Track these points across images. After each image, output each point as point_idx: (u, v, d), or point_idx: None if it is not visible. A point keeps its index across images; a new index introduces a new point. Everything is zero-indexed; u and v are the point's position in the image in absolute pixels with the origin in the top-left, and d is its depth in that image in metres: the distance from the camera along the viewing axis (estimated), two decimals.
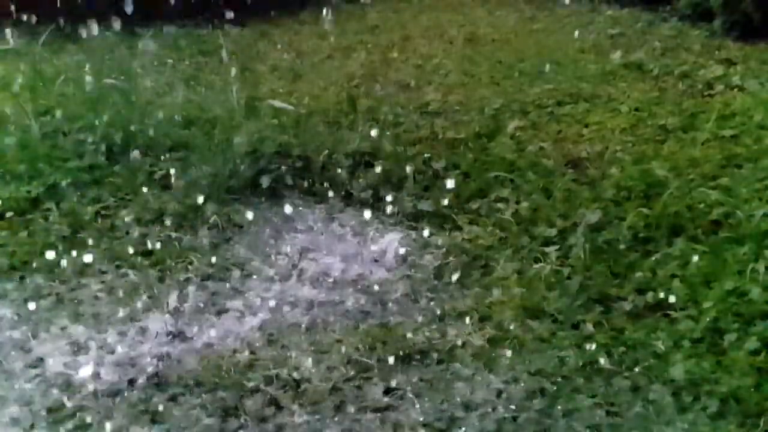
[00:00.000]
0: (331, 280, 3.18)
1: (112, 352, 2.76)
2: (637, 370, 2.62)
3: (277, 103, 4.54)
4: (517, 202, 3.64)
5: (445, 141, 4.25)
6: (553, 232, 3.40)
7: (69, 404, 2.50)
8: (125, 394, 2.55)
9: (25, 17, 5.19)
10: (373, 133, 4.22)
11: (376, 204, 3.69)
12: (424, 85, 5.20)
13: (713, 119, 4.30)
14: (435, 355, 2.72)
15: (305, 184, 3.87)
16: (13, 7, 5.14)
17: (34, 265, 3.23)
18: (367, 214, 3.62)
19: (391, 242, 3.41)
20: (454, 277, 3.17)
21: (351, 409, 2.50)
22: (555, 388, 2.56)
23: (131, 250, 3.32)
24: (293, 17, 6.95)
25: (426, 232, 3.50)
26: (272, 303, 3.03)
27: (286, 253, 3.37)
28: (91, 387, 2.58)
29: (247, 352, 2.74)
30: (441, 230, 3.52)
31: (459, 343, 2.79)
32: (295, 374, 2.63)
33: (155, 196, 3.71)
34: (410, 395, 2.55)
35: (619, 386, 2.56)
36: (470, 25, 6.64)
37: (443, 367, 2.68)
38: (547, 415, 2.46)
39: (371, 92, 4.99)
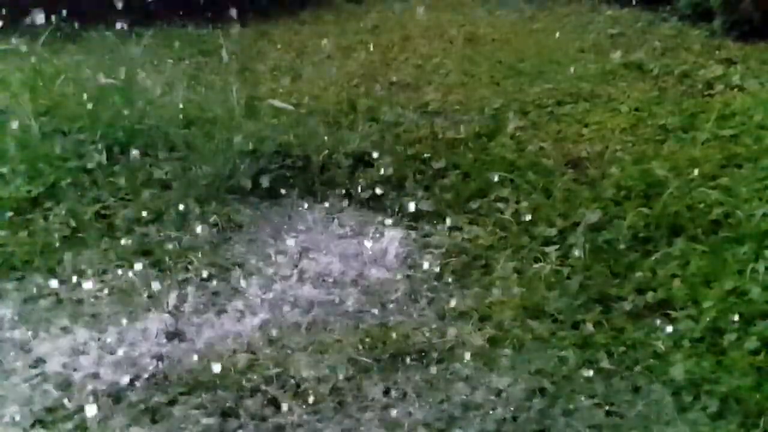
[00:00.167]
0: (331, 280, 3.18)
1: (112, 352, 2.75)
2: (637, 370, 2.62)
3: (277, 103, 4.53)
4: (517, 202, 3.64)
5: (445, 141, 4.25)
6: (553, 231, 3.40)
7: (68, 404, 2.50)
8: (125, 394, 2.55)
9: (24, 17, 5.19)
10: (373, 132, 4.22)
11: (376, 204, 3.68)
12: (424, 84, 5.20)
13: (713, 119, 4.30)
14: (435, 355, 2.72)
15: (305, 183, 3.87)
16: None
17: (34, 265, 3.23)
18: (367, 213, 3.62)
19: (391, 242, 3.40)
20: (454, 277, 3.17)
21: (351, 408, 2.50)
22: (555, 388, 2.56)
23: (131, 250, 3.32)
24: (293, 17, 6.94)
25: (426, 232, 3.50)
26: (272, 303, 3.03)
27: (286, 252, 3.37)
28: (90, 387, 2.58)
29: (247, 352, 2.74)
30: (441, 230, 3.52)
31: (459, 343, 2.79)
32: (294, 374, 2.63)
33: (155, 196, 3.71)
34: (410, 395, 2.55)
35: (619, 386, 2.56)
36: (470, 25, 6.63)
37: (443, 367, 2.68)
38: (547, 415, 2.46)
39: (371, 92, 4.99)
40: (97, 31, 5.54)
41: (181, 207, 3.60)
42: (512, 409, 2.48)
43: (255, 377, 2.61)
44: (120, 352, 2.75)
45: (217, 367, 2.64)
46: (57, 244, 3.35)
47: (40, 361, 2.71)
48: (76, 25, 5.40)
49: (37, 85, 4.70)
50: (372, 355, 2.72)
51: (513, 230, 3.44)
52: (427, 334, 2.83)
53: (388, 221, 3.58)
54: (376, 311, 2.99)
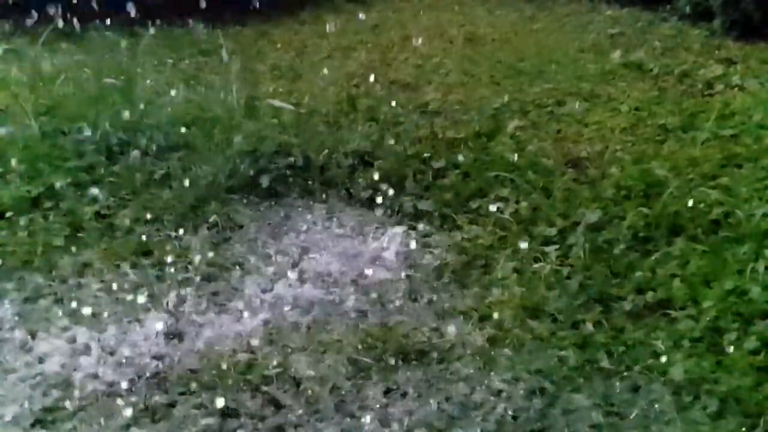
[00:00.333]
0: (331, 279, 3.18)
1: (112, 352, 2.76)
2: (636, 369, 2.62)
3: (277, 103, 4.53)
4: (517, 202, 3.64)
5: (445, 140, 4.25)
6: (553, 231, 3.40)
7: (68, 404, 2.50)
8: (125, 394, 2.55)
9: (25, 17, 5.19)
10: (373, 132, 4.22)
11: (376, 203, 3.68)
12: (423, 84, 5.20)
13: (713, 119, 4.30)
14: (435, 355, 2.73)
15: (305, 183, 3.87)
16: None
17: (34, 265, 3.23)
18: (367, 213, 3.62)
19: (391, 242, 3.40)
20: (454, 277, 3.17)
21: (351, 408, 2.50)
22: (555, 387, 2.56)
23: (131, 250, 3.32)
24: (293, 17, 6.94)
25: (426, 232, 3.50)
26: (272, 303, 3.03)
27: (286, 252, 3.38)
28: (90, 387, 2.58)
29: (247, 352, 2.74)
30: (441, 230, 3.52)
31: (459, 342, 2.79)
32: (294, 374, 2.63)
33: (155, 196, 3.71)
34: (410, 395, 2.55)
35: (619, 386, 2.56)
36: (470, 24, 6.63)
37: (443, 367, 2.68)
38: (547, 415, 2.46)
39: (371, 92, 4.99)
40: (97, 31, 5.54)
41: (181, 207, 3.60)
42: (512, 408, 2.48)
43: (255, 377, 2.61)
44: (120, 352, 2.75)
45: (217, 367, 2.64)
46: (57, 244, 3.36)
47: (40, 361, 2.71)
48: (76, 25, 5.39)
49: (37, 85, 4.69)
50: (372, 355, 2.72)
51: (513, 230, 3.44)
52: (427, 334, 2.83)
53: (388, 221, 3.58)
54: (376, 311, 2.99)
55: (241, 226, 3.57)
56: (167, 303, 3.00)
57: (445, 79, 5.31)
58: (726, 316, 2.80)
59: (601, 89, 4.98)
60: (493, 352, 2.73)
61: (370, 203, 3.71)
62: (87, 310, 2.97)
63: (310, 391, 2.55)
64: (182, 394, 2.56)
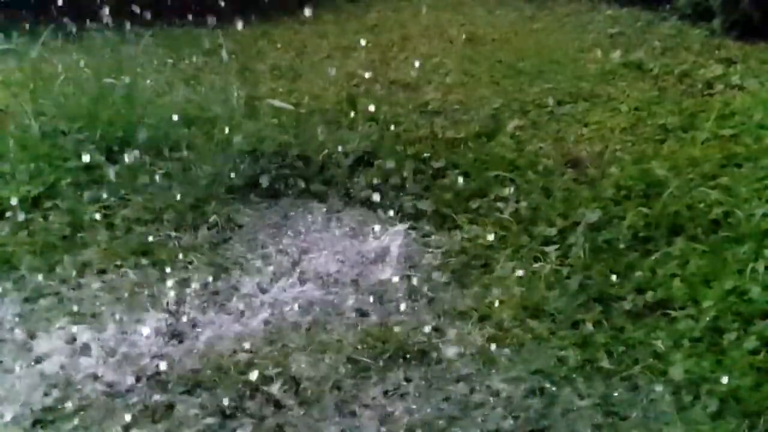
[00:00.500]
0: (330, 279, 3.18)
1: (112, 352, 2.76)
2: (636, 369, 2.62)
3: (277, 103, 4.53)
4: (517, 202, 3.64)
5: (445, 140, 4.25)
6: (553, 231, 3.40)
7: (68, 404, 2.51)
8: (125, 394, 2.55)
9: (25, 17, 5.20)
10: (373, 132, 4.22)
11: (376, 203, 3.68)
12: (423, 84, 5.20)
13: (713, 118, 4.30)
14: (435, 355, 2.73)
15: (305, 183, 3.87)
16: None
17: (34, 265, 3.23)
18: (367, 213, 3.62)
19: (391, 242, 3.40)
20: (454, 276, 3.17)
21: (351, 408, 2.50)
22: (555, 387, 2.56)
23: (131, 250, 3.32)
24: (293, 17, 6.94)
25: (426, 232, 3.50)
26: (272, 303, 3.03)
27: (286, 252, 3.38)
28: (90, 387, 2.58)
29: (246, 352, 2.74)
30: (441, 230, 3.52)
31: (459, 342, 2.79)
32: (294, 374, 2.63)
33: (155, 196, 3.71)
34: (410, 395, 2.55)
35: (619, 386, 2.56)
36: (470, 24, 6.63)
37: (443, 367, 2.68)
38: (547, 415, 2.47)
39: (371, 92, 4.99)
40: (97, 31, 5.54)
41: (181, 207, 3.60)
42: (512, 408, 2.48)
43: (255, 377, 2.61)
44: (120, 352, 2.75)
45: (217, 367, 2.64)
46: (57, 244, 3.36)
47: (40, 361, 2.71)
48: (76, 25, 5.39)
49: (37, 85, 4.69)
50: (372, 355, 2.72)
51: (513, 230, 3.44)
52: (427, 334, 2.83)
53: (388, 221, 3.58)
54: (376, 311, 2.99)
55: (241, 226, 3.57)
56: (167, 303, 3.00)
57: (445, 79, 5.31)
58: (726, 316, 2.80)
59: (600, 89, 4.98)
60: (493, 352, 2.73)
61: (370, 203, 3.71)
62: (87, 310, 2.97)
63: (310, 391, 2.56)
64: (182, 394, 2.56)
